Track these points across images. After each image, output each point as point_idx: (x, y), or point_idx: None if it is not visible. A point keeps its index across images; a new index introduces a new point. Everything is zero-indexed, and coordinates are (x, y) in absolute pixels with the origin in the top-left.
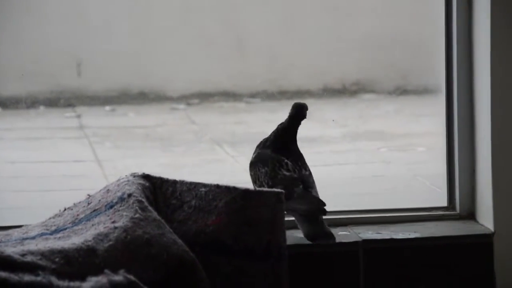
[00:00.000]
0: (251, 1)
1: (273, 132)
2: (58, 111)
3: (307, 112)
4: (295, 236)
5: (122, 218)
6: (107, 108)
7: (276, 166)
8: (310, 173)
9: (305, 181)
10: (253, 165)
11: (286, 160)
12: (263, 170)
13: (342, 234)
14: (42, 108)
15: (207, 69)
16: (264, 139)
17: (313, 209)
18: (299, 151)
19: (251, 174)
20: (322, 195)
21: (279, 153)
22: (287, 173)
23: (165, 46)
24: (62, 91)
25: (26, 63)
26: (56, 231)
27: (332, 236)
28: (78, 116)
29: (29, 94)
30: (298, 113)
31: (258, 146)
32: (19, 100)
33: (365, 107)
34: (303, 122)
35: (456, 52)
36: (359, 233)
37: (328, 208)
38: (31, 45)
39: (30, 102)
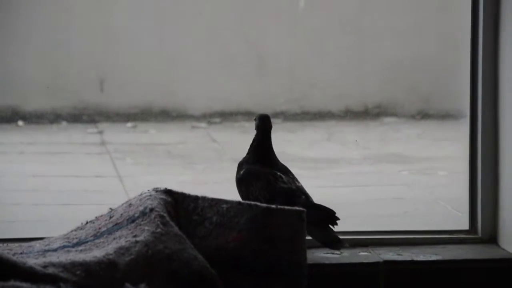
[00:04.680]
0: (274, 21)
1: (251, 149)
2: (81, 126)
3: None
4: (316, 255)
5: (144, 233)
6: (129, 124)
7: (271, 179)
8: (302, 186)
9: (304, 192)
10: (244, 181)
11: (279, 174)
12: (258, 184)
13: (363, 255)
14: (64, 123)
15: (229, 88)
16: (244, 158)
17: (325, 217)
18: (284, 165)
19: (241, 190)
20: (342, 215)
21: (269, 167)
22: (284, 186)
23: (188, 65)
24: (85, 107)
25: (50, 78)
26: (78, 243)
27: (343, 241)
28: (100, 132)
29: (52, 109)
30: (265, 124)
31: (241, 165)
32: (42, 115)
33: (386, 130)
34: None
35: (481, 76)
36: (379, 254)
37: (348, 228)
38: (56, 60)
39: (53, 117)
